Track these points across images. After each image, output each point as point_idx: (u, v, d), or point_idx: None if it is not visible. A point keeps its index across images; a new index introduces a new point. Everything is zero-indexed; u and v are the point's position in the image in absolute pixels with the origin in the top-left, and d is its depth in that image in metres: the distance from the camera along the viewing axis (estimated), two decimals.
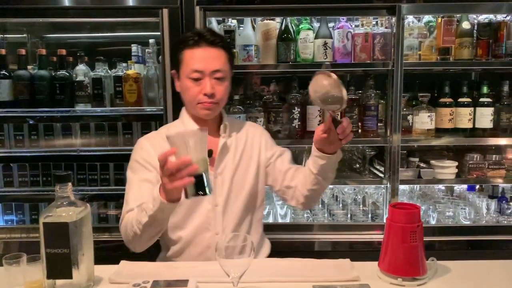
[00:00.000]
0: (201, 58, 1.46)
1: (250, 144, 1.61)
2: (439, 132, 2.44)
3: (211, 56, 1.46)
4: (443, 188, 2.81)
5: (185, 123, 1.58)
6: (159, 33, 2.21)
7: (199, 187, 1.08)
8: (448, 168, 2.45)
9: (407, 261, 1.10)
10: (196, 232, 1.47)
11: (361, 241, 2.30)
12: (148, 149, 1.51)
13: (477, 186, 2.80)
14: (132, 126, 2.45)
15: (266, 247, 1.65)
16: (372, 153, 2.56)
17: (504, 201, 2.62)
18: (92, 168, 2.49)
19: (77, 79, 2.38)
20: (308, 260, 1.28)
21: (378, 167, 2.57)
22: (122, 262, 1.25)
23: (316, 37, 2.32)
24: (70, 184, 1.08)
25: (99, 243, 2.33)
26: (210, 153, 1.49)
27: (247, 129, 1.65)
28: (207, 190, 1.09)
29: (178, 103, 2.21)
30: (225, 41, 1.56)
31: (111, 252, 2.44)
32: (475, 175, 2.46)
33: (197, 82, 1.46)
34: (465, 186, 2.77)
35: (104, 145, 2.45)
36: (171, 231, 1.49)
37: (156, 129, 2.42)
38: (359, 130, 2.42)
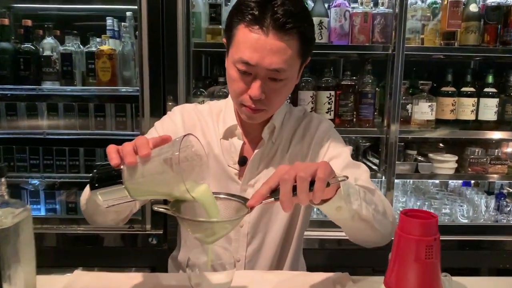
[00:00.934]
0: (257, 47, 1.01)
1: (307, 148, 1.24)
2: (439, 123, 2.27)
3: (272, 48, 1.00)
4: (438, 182, 2.65)
5: (226, 112, 1.26)
6: (136, 7, 1.98)
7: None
8: (447, 163, 2.29)
9: (421, 282, 0.91)
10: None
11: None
12: (177, 124, 1.24)
13: (473, 181, 2.65)
14: (105, 108, 2.22)
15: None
16: (366, 144, 2.37)
17: (502, 198, 2.47)
18: (60, 153, 2.26)
19: (44, 54, 2.14)
20: (300, 274, 1.08)
21: (372, 159, 2.39)
22: (76, 273, 1.04)
23: None
24: (3, 179, 0.85)
25: (66, 236, 2.16)
26: (243, 160, 1.22)
27: (309, 127, 1.26)
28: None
29: (156, 84, 2.03)
30: (301, 21, 1.04)
31: (81, 246, 2.28)
32: (475, 171, 2.29)
33: (245, 75, 1.06)
34: (460, 181, 2.62)
35: (73, 128, 2.22)
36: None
37: (132, 112, 2.22)
38: (354, 120, 2.23)
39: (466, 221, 2.32)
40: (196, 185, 0.85)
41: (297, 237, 1.29)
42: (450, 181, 2.61)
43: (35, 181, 2.32)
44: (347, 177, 0.86)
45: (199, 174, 0.87)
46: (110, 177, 0.81)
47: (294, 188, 0.81)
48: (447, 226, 2.24)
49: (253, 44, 1.01)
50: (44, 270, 2.09)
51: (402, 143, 2.30)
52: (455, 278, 1.05)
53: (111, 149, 0.83)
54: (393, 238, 1.00)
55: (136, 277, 1.04)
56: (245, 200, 0.86)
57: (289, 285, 1.02)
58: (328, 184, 0.82)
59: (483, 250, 2.23)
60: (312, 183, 0.81)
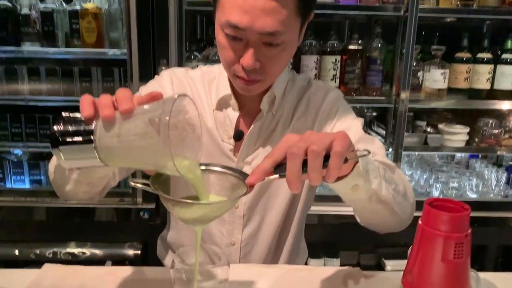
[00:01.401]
0: (246, 7, 0.84)
1: (312, 121, 1.09)
2: (452, 92, 2.10)
3: (264, 8, 0.83)
4: (444, 154, 2.52)
5: (220, 79, 1.09)
6: None
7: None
8: (458, 135, 2.14)
9: (447, 284, 0.78)
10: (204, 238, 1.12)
11: (351, 214, 2.00)
12: (166, 89, 1.09)
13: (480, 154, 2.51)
14: (91, 72, 2.04)
15: (301, 260, 1.24)
16: (373, 114, 2.21)
17: None
18: (43, 121, 2.10)
19: (22, 12, 1.94)
20: (305, 269, 0.95)
21: (378, 130, 2.24)
22: (46, 266, 0.90)
23: None
24: None
25: (55, 210, 2.04)
26: (239, 135, 1.06)
27: (314, 98, 1.10)
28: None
29: (145, 46, 1.85)
30: None
31: (72, 220, 2.16)
32: (487, 143, 2.15)
33: (235, 42, 0.90)
34: (467, 153, 2.48)
35: (57, 93, 2.05)
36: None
37: (120, 77, 2.05)
38: (360, 88, 2.06)
39: (475, 196, 2.19)
40: (185, 160, 0.70)
41: (298, 219, 1.16)
42: (457, 154, 2.48)
43: (18, 151, 2.17)
44: (369, 152, 0.71)
45: (189, 148, 0.72)
46: (78, 132, 0.65)
47: (304, 164, 0.65)
48: None
49: (241, 4, 0.84)
50: (35, 245, 2.03)
51: (411, 113, 2.15)
52: (482, 275, 0.92)
53: (85, 98, 0.67)
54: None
55: (113, 271, 0.91)
56: (244, 176, 0.71)
57: (292, 281, 0.89)
58: (346, 160, 0.67)
59: (492, 227, 2.12)
60: (326, 158, 0.66)
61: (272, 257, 1.16)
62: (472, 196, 2.20)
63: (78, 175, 0.87)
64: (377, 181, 0.80)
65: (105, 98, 0.67)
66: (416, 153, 2.43)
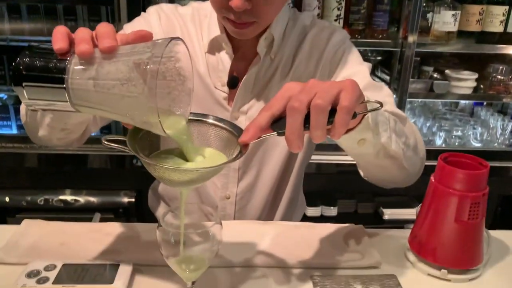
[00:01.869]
0: None
1: (314, 66, 0.98)
2: (462, 36, 1.97)
3: None
4: (448, 101, 2.42)
5: (212, 18, 0.97)
6: None
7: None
8: (466, 81, 2.04)
9: (459, 247, 0.72)
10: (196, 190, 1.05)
11: (349, 163, 1.95)
12: (153, 27, 0.97)
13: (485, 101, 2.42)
14: (76, 11, 1.89)
15: (298, 213, 1.19)
16: (377, 59, 2.09)
17: None
18: None
19: None
20: (304, 226, 0.89)
21: (382, 76, 2.13)
22: (25, 222, 0.84)
23: None
24: None
25: (47, 156, 1.97)
26: (233, 81, 0.96)
27: (317, 39, 0.98)
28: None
29: None
30: None
31: (64, 166, 2.10)
32: (496, 91, 2.05)
33: None
34: (471, 101, 2.38)
35: (40, 33, 1.91)
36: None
37: (107, 17, 1.90)
38: (365, 29, 1.93)
39: (479, 144, 2.13)
40: (171, 116, 0.61)
41: (297, 172, 1.08)
42: (461, 101, 2.39)
43: (3, 95, 2.07)
44: (381, 105, 0.61)
45: (176, 102, 0.62)
46: (47, 68, 0.55)
47: (306, 119, 0.57)
48: (458, 151, 2.04)
49: None
50: (26, 192, 1.97)
51: (418, 58, 2.03)
52: (493, 233, 0.86)
53: (59, 29, 0.57)
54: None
55: (98, 228, 0.84)
56: (239, 131, 0.62)
57: (290, 238, 0.83)
58: (354, 115, 0.58)
59: (494, 176, 2.07)
60: (331, 112, 0.57)
61: (268, 211, 1.10)
62: (476, 145, 2.13)
63: (50, 120, 0.78)
64: (387, 135, 0.71)
65: (83, 32, 0.56)
66: (419, 100, 2.34)
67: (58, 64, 0.55)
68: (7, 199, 1.94)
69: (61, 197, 1.95)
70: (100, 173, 2.00)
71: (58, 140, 0.85)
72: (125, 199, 1.99)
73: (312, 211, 2.14)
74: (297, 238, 0.83)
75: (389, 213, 2.20)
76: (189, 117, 0.63)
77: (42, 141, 0.87)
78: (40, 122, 0.80)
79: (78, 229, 0.83)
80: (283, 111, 0.58)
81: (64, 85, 0.55)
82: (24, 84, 0.56)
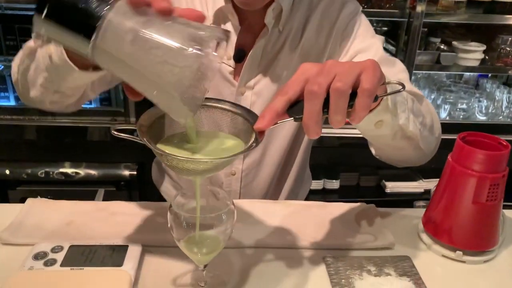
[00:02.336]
0: None
1: (324, 38, 0.93)
2: (471, 6, 1.92)
3: None
4: (452, 73, 2.38)
5: None
6: None
7: None
8: (473, 53, 1.99)
9: (476, 229, 0.70)
10: None
11: (352, 136, 1.92)
12: None
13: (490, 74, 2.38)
14: None
15: (305, 189, 1.17)
16: (383, 29, 2.04)
17: None
18: (24, 32, 1.92)
19: None
20: (315, 205, 0.87)
21: (388, 47, 2.08)
22: (29, 201, 0.82)
23: None
24: None
25: (46, 129, 1.94)
26: (240, 55, 0.91)
27: (328, 11, 0.93)
28: None
29: None
30: None
31: (64, 139, 2.07)
32: (504, 63, 2.01)
33: None
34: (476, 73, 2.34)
35: (36, 1, 1.84)
36: None
37: None
38: None
39: (484, 118, 2.10)
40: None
41: (305, 146, 1.06)
42: (465, 73, 2.35)
43: None
44: (403, 86, 0.58)
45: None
46: (83, 13, 0.46)
47: (324, 103, 0.53)
48: (463, 125, 2.02)
49: None
50: (26, 164, 1.95)
51: (425, 29, 1.98)
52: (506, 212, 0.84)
53: None
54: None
55: (104, 207, 0.82)
56: (254, 118, 0.58)
57: (302, 218, 0.81)
58: (375, 98, 0.55)
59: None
60: (351, 95, 0.53)
61: (275, 187, 1.08)
62: (481, 118, 2.10)
63: (44, 80, 0.73)
64: (405, 116, 0.69)
65: None
66: (423, 71, 2.29)
67: (94, 13, 0.47)
68: (7, 171, 1.92)
69: (62, 170, 1.93)
70: (100, 146, 1.98)
71: (51, 103, 0.80)
72: (126, 172, 1.97)
73: (315, 185, 2.13)
74: (309, 218, 0.81)
75: (391, 186, 2.20)
76: (204, 103, 0.60)
77: (34, 102, 0.82)
78: (32, 81, 0.75)
79: (84, 208, 0.81)
80: (300, 95, 0.55)
81: (91, 41, 0.47)
82: (44, 20, 0.48)
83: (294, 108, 0.55)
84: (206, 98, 0.60)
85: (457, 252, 0.72)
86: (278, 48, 0.93)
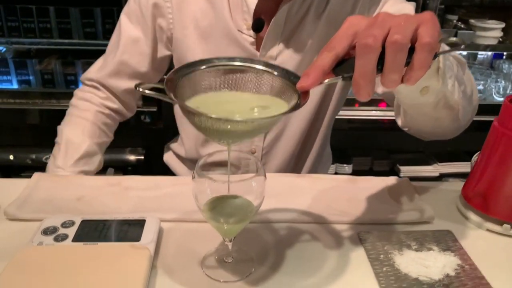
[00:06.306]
0: None
1: (351, 5, 0.87)
2: None
3: None
4: (465, 53, 2.30)
5: None
6: None
7: None
8: (491, 31, 1.92)
9: None
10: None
11: (363, 118, 1.86)
12: None
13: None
14: None
15: (325, 168, 1.13)
16: None
17: None
18: (26, 13, 1.84)
19: None
20: (343, 179, 0.80)
21: None
22: (36, 175, 0.76)
23: None
24: None
25: (50, 113, 1.88)
26: (259, 24, 0.85)
27: None
28: None
29: None
30: None
31: (59, 123, 2.00)
32: None
33: None
34: (489, 53, 2.26)
35: None
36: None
37: None
38: None
39: (501, 99, 2.03)
40: None
41: (327, 123, 1.00)
42: (479, 54, 2.27)
43: (1, 48, 1.95)
44: (463, 43, 0.52)
45: None
46: None
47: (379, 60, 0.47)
48: (480, 106, 1.94)
49: None
50: (31, 149, 1.89)
51: (442, 6, 1.90)
52: None
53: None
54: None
55: (117, 181, 0.76)
56: (291, 77, 0.51)
57: (331, 193, 0.75)
58: (434, 55, 0.48)
59: None
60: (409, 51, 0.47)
61: (294, 165, 1.02)
62: (498, 99, 2.03)
63: None
64: (451, 82, 0.62)
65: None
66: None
67: None
68: (11, 157, 1.87)
69: None
70: None
71: None
72: (132, 157, 1.91)
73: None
74: (339, 193, 0.75)
75: (405, 171, 2.13)
76: (236, 63, 0.54)
77: None
78: None
79: (95, 183, 0.75)
80: (348, 52, 0.49)
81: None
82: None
83: (341, 66, 0.49)
84: (240, 58, 0.54)
85: (505, 225, 0.66)
86: (302, 15, 0.87)
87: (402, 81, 0.49)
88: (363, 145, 2.15)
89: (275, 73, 0.53)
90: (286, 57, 0.88)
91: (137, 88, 0.48)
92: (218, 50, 0.87)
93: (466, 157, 2.09)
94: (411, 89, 0.58)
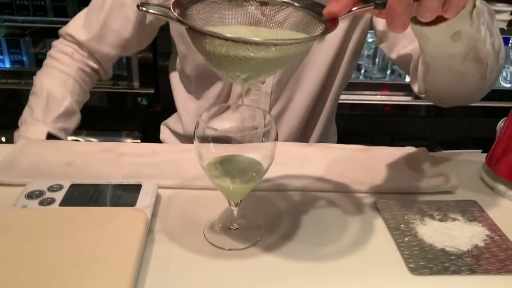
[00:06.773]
0: None
1: None
2: None
3: None
4: None
5: None
6: None
7: None
8: (500, 14, 1.86)
9: None
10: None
11: (365, 102, 1.80)
12: None
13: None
14: None
15: (330, 142, 1.07)
16: None
17: None
18: None
19: None
20: (354, 148, 0.75)
21: None
22: (22, 141, 0.69)
23: None
24: None
25: None
26: None
27: None
28: None
29: None
30: None
31: None
32: None
33: None
34: None
35: None
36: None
37: None
38: None
39: (509, 85, 1.98)
40: None
41: (333, 96, 0.94)
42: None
43: None
44: None
45: None
46: None
47: None
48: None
49: None
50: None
51: None
52: None
53: None
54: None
55: (112, 147, 0.70)
56: (320, 8, 0.45)
57: (344, 162, 0.69)
58: None
59: None
60: None
61: (299, 140, 0.97)
62: (506, 85, 1.98)
63: None
64: (484, 29, 0.56)
65: None
66: None
67: None
68: (3, 139, 1.80)
69: None
70: (100, 112, 1.85)
71: None
72: (129, 140, 1.85)
73: None
74: (353, 161, 0.69)
75: None
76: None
77: None
78: None
79: (87, 149, 0.69)
80: None
81: None
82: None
83: None
84: None
85: None
86: None
87: (441, 12, 0.43)
88: (366, 132, 2.09)
89: (297, 4, 0.47)
90: None
91: (140, 8, 0.41)
92: None
93: (472, 145, 2.04)
94: (443, 33, 0.53)
